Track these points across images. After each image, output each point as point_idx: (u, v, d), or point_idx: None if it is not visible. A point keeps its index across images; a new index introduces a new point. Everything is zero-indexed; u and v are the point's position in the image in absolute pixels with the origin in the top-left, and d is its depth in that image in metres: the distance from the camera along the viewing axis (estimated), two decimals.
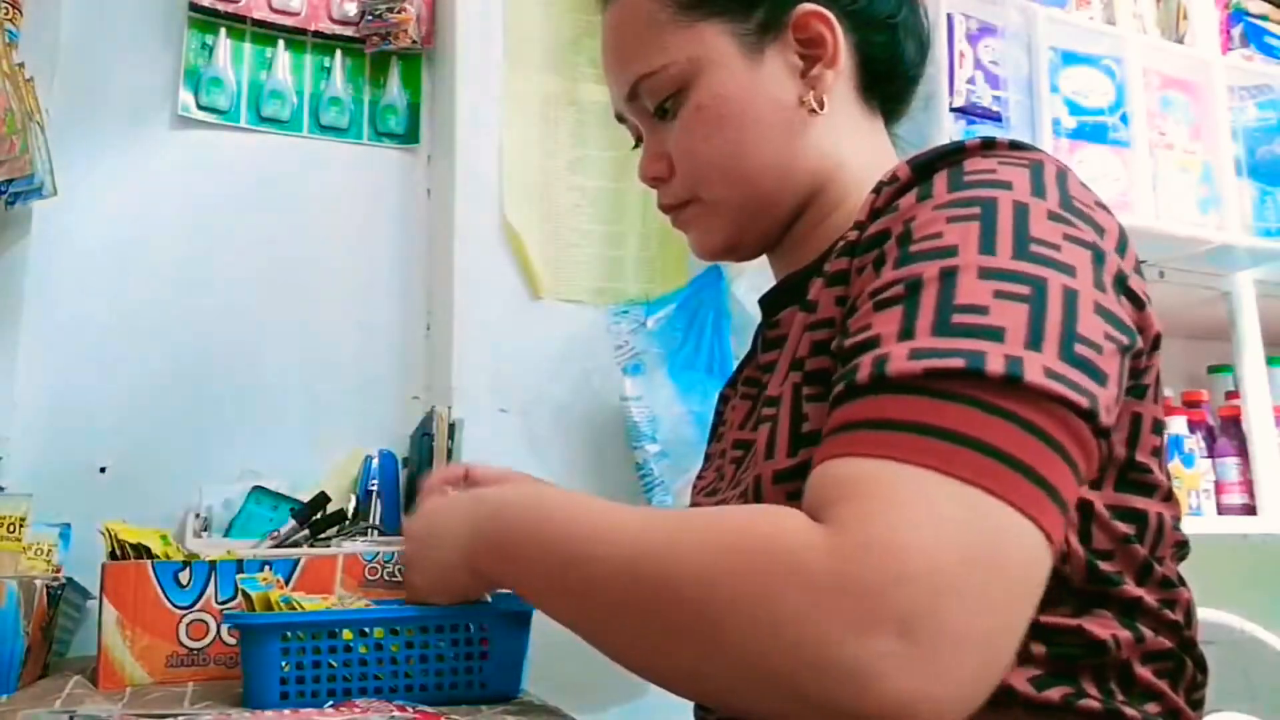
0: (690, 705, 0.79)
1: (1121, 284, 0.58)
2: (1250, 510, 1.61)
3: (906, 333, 0.52)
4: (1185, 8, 1.77)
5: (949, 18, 1.44)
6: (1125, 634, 0.59)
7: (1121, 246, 0.60)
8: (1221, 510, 1.62)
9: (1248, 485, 1.62)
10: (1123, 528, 0.60)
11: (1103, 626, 0.59)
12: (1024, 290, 0.52)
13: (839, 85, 0.77)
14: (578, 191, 1.52)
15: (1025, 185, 0.58)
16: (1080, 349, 0.52)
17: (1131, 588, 0.60)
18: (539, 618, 0.69)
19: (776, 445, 0.63)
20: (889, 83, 0.81)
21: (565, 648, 1.02)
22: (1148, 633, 0.60)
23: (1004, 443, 0.48)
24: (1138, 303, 0.59)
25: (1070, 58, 1.52)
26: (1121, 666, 0.59)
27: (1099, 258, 0.57)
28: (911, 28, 0.80)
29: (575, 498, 0.65)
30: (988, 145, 0.62)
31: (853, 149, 0.77)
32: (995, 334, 0.50)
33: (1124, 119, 1.52)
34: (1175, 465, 1.57)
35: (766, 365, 0.75)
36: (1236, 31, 1.86)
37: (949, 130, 1.38)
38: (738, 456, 0.76)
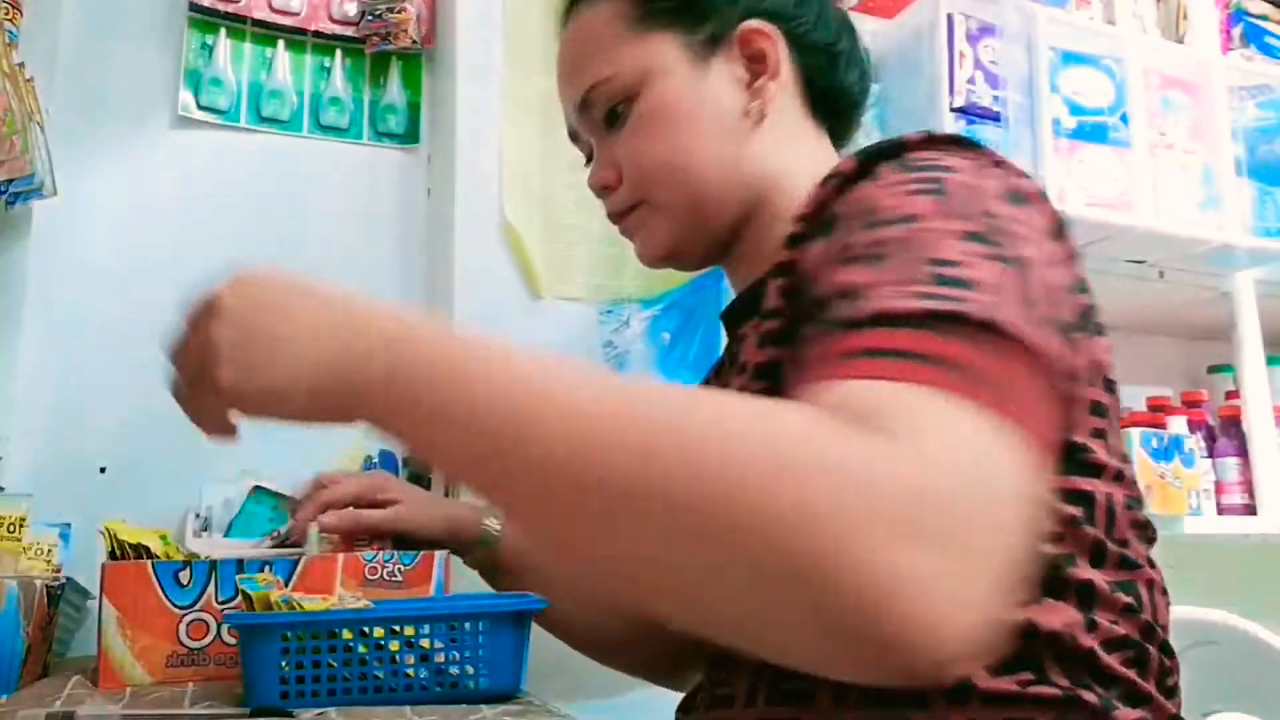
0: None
1: (1064, 264, 0.62)
2: (1250, 510, 1.60)
3: (890, 281, 0.53)
4: (1185, 8, 1.77)
5: (949, 18, 1.44)
6: (1078, 618, 0.60)
7: (1060, 231, 0.63)
8: (1221, 510, 1.61)
9: (1248, 485, 1.61)
10: (1070, 510, 0.62)
11: (1055, 615, 0.60)
12: (989, 250, 0.54)
13: (785, 100, 0.82)
14: (578, 191, 1.51)
15: (971, 169, 0.61)
16: (1043, 310, 0.54)
17: (1083, 570, 0.62)
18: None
19: None
20: (832, 105, 0.86)
21: (565, 647, 1.03)
22: (1104, 620, 0.61)
23: (1004, 376, 0.49)
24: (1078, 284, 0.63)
25: (1070, 58, 1.52)
26: (1086, 654, 0.60)
27: (1045, 234, 0.61)
28: (852, 57, 0.86)
29: (512, 345, 0.51)
30: (930, 139, 0.65)
31: (797, 161, 0.81)
32: (970, 285, 0.52)
33: (1124, 119, 1.52)
34: (1175, 465, 1.57)
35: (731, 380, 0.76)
36: (1236, 31, 1.86)
37: (950, 130, 1.39)
38: None
